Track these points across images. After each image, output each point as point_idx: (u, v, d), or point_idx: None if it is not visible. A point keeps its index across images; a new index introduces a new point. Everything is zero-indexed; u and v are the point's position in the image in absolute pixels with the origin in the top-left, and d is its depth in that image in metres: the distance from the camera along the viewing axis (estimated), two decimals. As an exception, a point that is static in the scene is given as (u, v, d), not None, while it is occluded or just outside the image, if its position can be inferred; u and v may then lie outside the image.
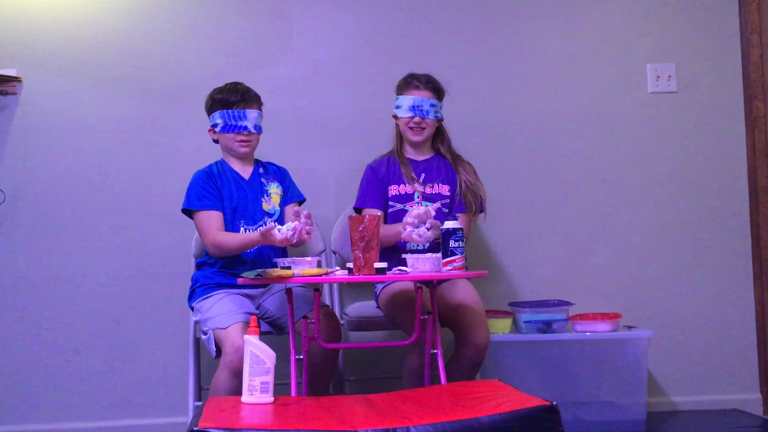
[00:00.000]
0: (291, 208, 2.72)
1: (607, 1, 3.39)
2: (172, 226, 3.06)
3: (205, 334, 2.51)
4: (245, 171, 2.72)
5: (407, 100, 2.77)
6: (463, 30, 3.32)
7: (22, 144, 3.10)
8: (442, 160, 2.87)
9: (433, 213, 2.43)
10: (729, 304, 3.33)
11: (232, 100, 2.65)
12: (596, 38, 3.37)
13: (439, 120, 2.83)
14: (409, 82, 2.81)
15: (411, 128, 2.80)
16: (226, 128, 2.65)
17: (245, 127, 2.65)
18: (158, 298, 3.10)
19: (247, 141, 2.67)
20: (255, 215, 2.66)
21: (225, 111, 2.64)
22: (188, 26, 3.21)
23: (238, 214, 2.65)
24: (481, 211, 2.84)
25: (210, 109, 2.70)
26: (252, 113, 2.66)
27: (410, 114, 2.77)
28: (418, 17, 3.31)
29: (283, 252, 2.74)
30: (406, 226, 2.38)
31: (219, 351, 2.45)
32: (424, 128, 2.79)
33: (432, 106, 2.77)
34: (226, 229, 2.61)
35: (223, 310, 2.46)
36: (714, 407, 3.25)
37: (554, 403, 1.87)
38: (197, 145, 3.04)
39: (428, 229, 2.37)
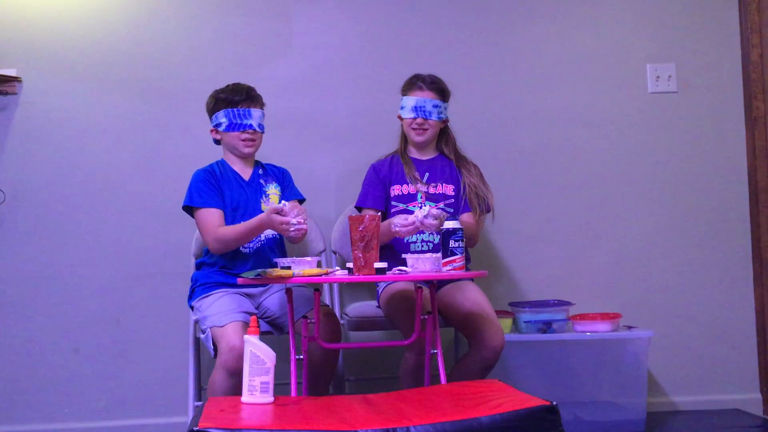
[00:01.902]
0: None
1: (607, 1, 3.40)
2: (172, 226, 3.06)
3: (203, 332, 2.52)
4: (245, 172, 2.72)
5: (410, 100, 2.78)
6: (464, 30, 3.32)
7: (22, 144, 3.10)
8: (447, 160, 2.88)
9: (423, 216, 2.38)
10: (729, 304, 3.33)
11: (236, 99, 2.65)
12: (596, 38, 3.37)
13: (443, 121, 2.83)
14: (413, 83, 2.81)
15: (414, 129, 2.80)
16: (231, 127, 2.64)
17: (250, 126, 2.65)
18: (158, 298, 3.10)
19: (252, 140, 2.67)
20: (254, 216, 2.65)
21: (230, 110, 2.64)
22: (188, 26, 3.21)
23: (238, 215, 2.64)
24: (488, 211, 2.83)
25: (213, 108, 2.69)
26: (256, 112, 2.66)
27: (413, 114, 2.78)
28: (418, 17, 3.31)
29: (283, 252, 2.74)
30: (397, 228, 2.37)
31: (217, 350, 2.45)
32: (426, 129, 2.79)
33: (435, 107, 2.77)
34: None
35: (221, 308, 2.46)
36: (714, 407, 3.25)
37: (554, 403, 1.87)
38: (197, 145, 3.05)
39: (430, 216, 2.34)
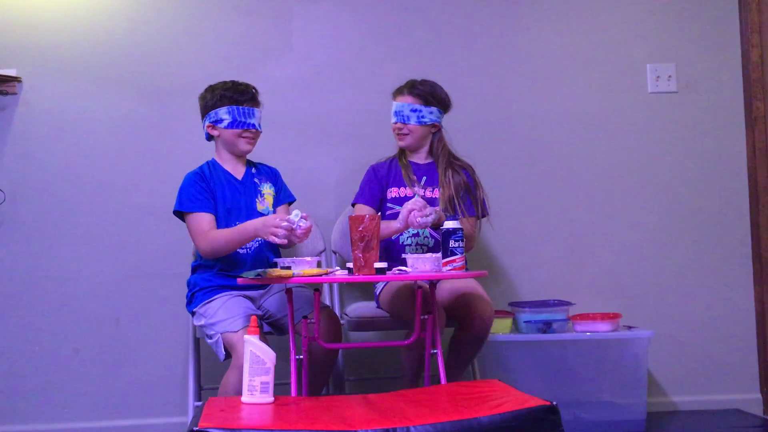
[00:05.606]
0: (283, 209, 2.73)
1: (607, 1, 3.40)
2: (172, 226, 3.03)
3: (210, 338, 2.49)
4: (238, 171, 2.71)
5: (393, 106, 2.81)
6: (463, 30, 3.32)
7: (22, 144, 3.10)
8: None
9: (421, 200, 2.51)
10: (729, 304, 3.33)
11: (242, 98, 2.64)
12: (596, 38, 3.38)
13: (428, 125, 2.80)
14: (398, 89, 2.83)
15: (396, 134, 2.82)
16: (235, 124, 2.63)
17: (253, 125, 2.65)
18: (158, 298, 3.10)
19: (253, 138, 2.68)
20: (250, 216, 2.64)
21: (235, 107, 2.62)
22: (188, 26, 3.21)
23: (233, 216, 2.63)
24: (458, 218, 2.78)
25: (215, 104, 2.64)
26: (258, 111, 2.67)
27: (394, 119, 2.80)
28: (418, 17, 3.31)
29: (278, 254, 2.73)
30: (413, 213, 2.44)
31: (227, 353, 2.44)
32: (406, 134, 2.80)
33: (413, 111, 2.77)
34: None
35: (231, 313, 2.45)
36: (714, 407, 3.26)
37: (554, 403, 1.87)
38: (197, 145, 3.03)
39: (428, 215, 2.44)
